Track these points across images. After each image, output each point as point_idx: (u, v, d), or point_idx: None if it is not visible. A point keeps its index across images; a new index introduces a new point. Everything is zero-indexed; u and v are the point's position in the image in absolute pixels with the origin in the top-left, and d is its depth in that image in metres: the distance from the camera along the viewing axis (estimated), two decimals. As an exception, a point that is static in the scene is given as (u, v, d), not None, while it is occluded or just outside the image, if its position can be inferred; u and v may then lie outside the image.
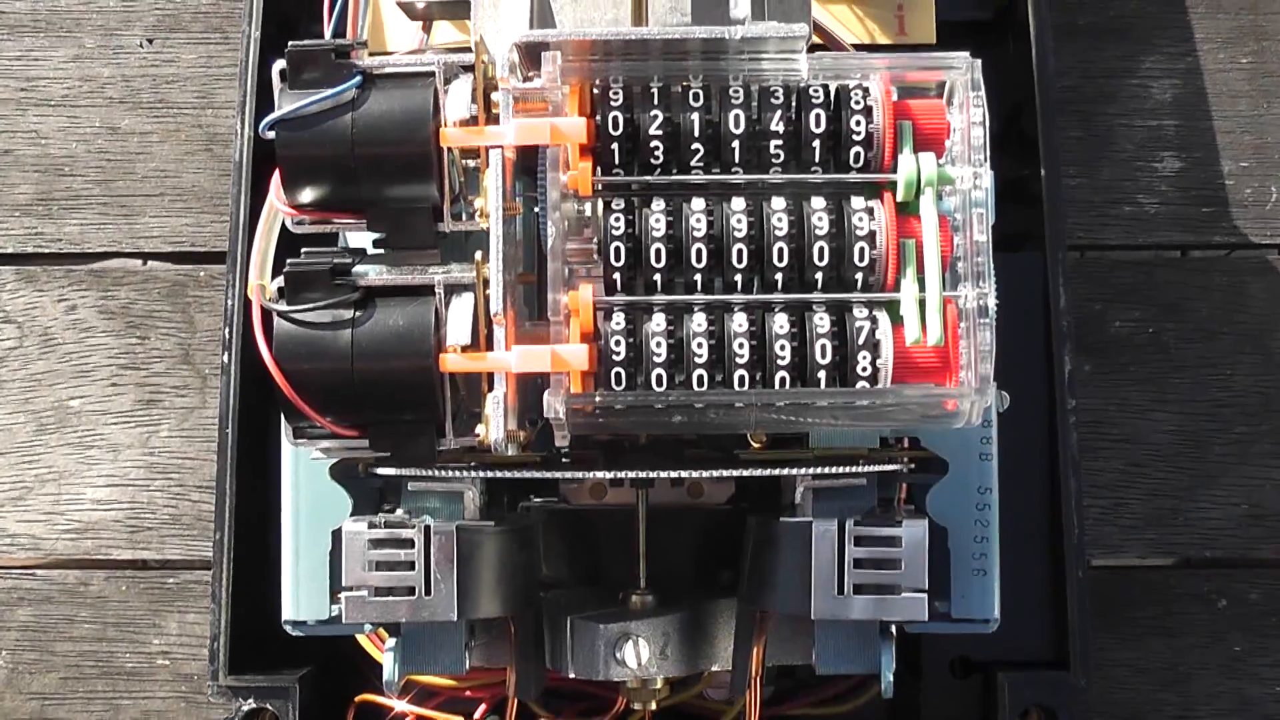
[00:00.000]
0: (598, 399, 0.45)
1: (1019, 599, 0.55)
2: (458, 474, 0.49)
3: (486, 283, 0.45)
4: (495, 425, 0.45)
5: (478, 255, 0.46)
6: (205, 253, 0.68)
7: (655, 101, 0.46)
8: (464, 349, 0.45)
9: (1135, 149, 0.68)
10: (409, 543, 0.48)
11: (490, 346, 0.45)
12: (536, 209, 0.48)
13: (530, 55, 0.46)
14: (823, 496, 0.49)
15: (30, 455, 0.68)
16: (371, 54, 0.47)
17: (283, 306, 0.45)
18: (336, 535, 0.50)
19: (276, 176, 0.46)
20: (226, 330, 0.58)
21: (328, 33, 0.51)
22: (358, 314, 0.45)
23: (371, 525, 0.48)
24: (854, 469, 0.49)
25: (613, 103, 0.46)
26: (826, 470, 0.48)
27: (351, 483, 0.52)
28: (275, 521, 0.54)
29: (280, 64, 0.46)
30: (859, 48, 0.63)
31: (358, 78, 0.45)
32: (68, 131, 0.69)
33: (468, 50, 0.46)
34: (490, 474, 0.50)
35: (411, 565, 0.48)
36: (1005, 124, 0.65)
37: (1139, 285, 0.67)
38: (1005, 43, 0.64)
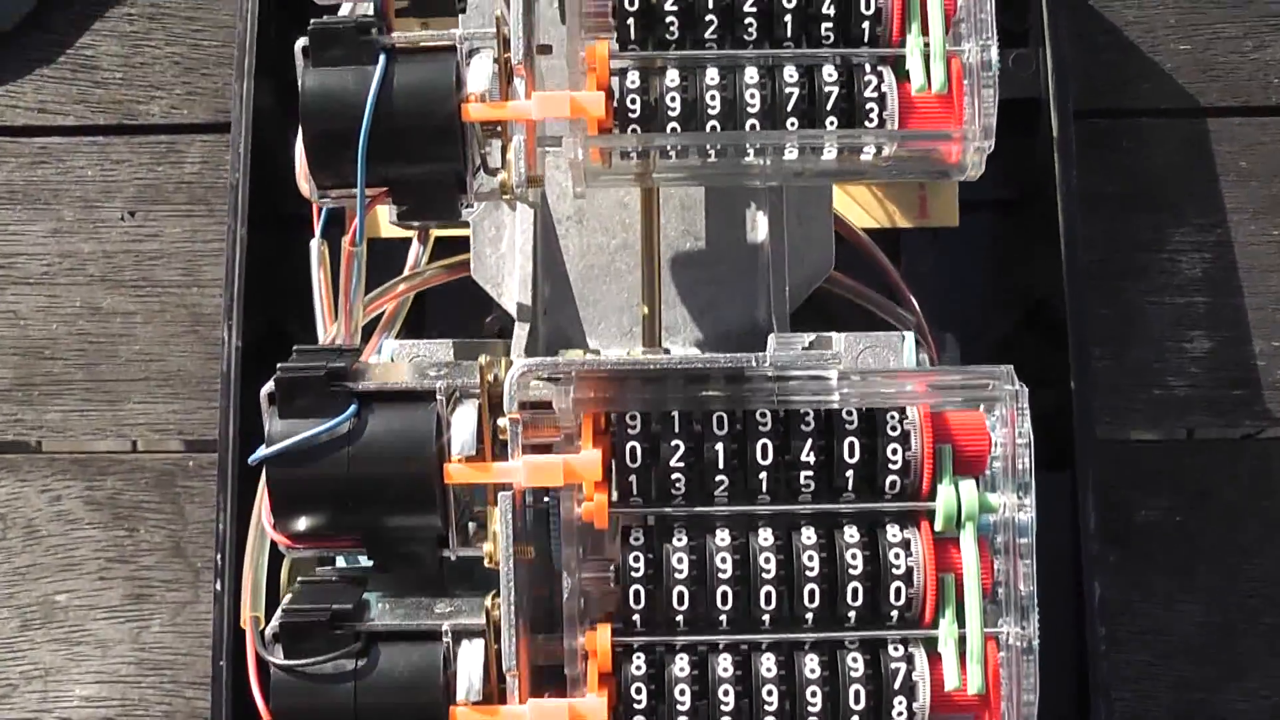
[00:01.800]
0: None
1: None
2: None
3: (497, 625, 0.43)
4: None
5: (487, 601, 0.44)
6: (194, 440, 0.66)
7: (676, 430, 0.44)
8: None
9: (1164, 328, 0.65)
10: None
11: (503, 698, 0.43)
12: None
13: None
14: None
15: (15, 651, 0.65)
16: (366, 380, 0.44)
17: (279, 660, 0.42)
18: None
19: (264, 498, 0.44)
20: (219, 524, 0.57)
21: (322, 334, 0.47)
22: (360, 664, 0.43)
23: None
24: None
25: (630, 431, 0.44)
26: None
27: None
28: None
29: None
30: (874, 233, 0.60)
31: (353, 407, 0.42)
32: (48, 311, 0.67)
33: (474, 385, 0.44)
34: None
35: None
36: (1032, 311, 0.63)
37: (1166, 471, 0.65)
38: (1033, 222, 0.61)
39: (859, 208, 0.62)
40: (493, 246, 0.53)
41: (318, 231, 0.49)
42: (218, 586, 0.56)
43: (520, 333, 0.51)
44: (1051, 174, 0.60)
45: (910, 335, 0.48)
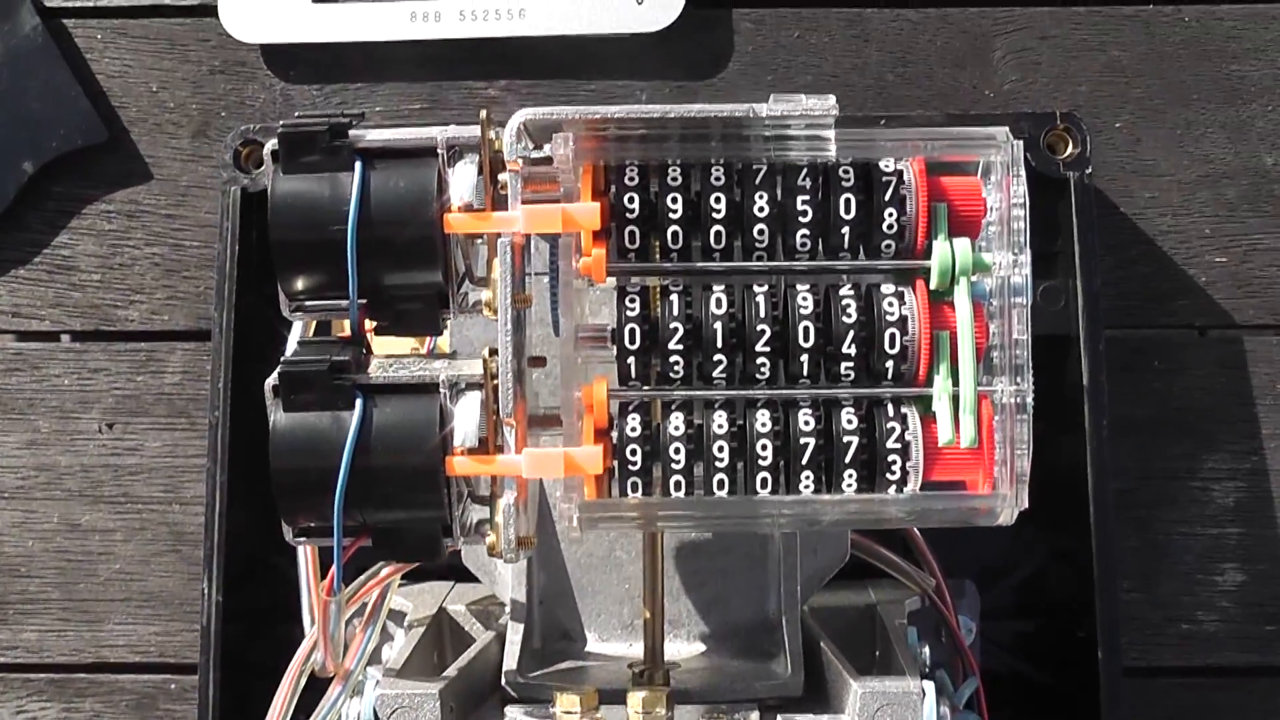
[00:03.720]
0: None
1: None
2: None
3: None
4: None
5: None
6: (175, 664, 0.64)
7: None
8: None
9: (1195, 560, 0.63)
10: None
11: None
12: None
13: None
14: None
15: None
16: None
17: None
18: None
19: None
20: None
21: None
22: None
23: None
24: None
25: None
26: None
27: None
28: None
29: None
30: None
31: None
32: (23, 527, 0.65)
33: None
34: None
35: None
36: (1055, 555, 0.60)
37: (1197, 710, 0.63)
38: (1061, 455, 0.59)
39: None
40: (484, 531, 0.51)
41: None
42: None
43: (514, 635, 0.49)
44: (1079, 410, 0.57)
45: (932, 691, 0.45)
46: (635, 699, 0.45)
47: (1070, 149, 0.58)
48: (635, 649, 0.50)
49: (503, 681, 0.49)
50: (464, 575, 0.58)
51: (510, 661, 0.48)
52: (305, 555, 0.47)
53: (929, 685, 0.44)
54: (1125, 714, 0.56)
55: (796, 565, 0.50)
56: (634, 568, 0.50)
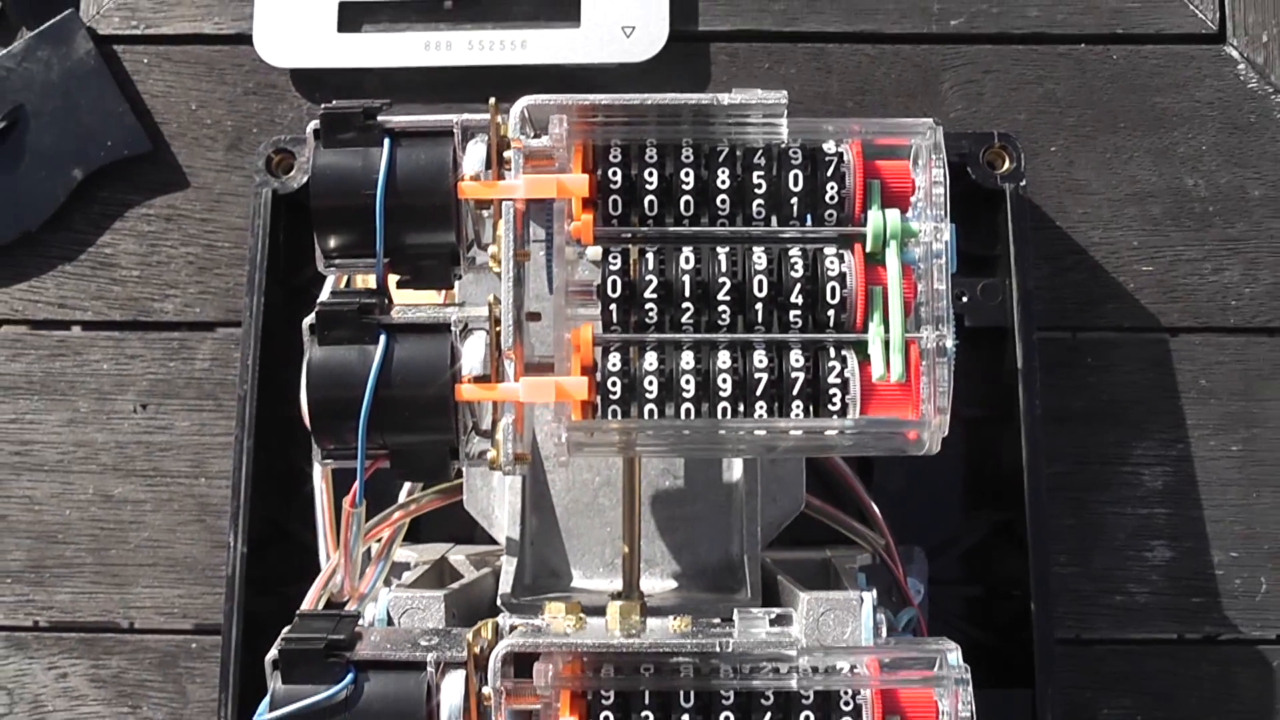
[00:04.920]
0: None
1: None
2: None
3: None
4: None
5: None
6: (197, 624, 0.68)
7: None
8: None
9: (1126, 537, 0.68)
10: None
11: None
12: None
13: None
14: None
15: (19, 826, 0.68)
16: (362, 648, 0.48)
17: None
18: None
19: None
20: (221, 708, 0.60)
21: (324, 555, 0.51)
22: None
23: None
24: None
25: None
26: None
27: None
28: None
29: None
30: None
31: (350, 675, 0.45)
32: (61, 498, 0.69)
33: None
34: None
35: None
36: (1000, 525, 0.66)
37: (1129, 674, 0.67)
38: (1001, 439, 0.64)
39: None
40: (484, 479, 0.57)
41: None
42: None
43: (508, 567, 0.55)
44: (1016, 397, 0.63)
45: (869, 600, 0.50)
46: (613, 608, 0.51)
47: (1007, 164, 0.65)
48: (615, 584, 0.56)
49: (498, 603, 0.54)
50: (462, 541, 0.64)
51: (505, 587, 0.54)
52: (319, 479, 0.52)
53: (868, 595, 0.50)
54: (1058, 675, 0.62)
55: (757, 511, 0.56)
56: (614, 513, 0.56)
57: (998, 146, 0.65)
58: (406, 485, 0.58)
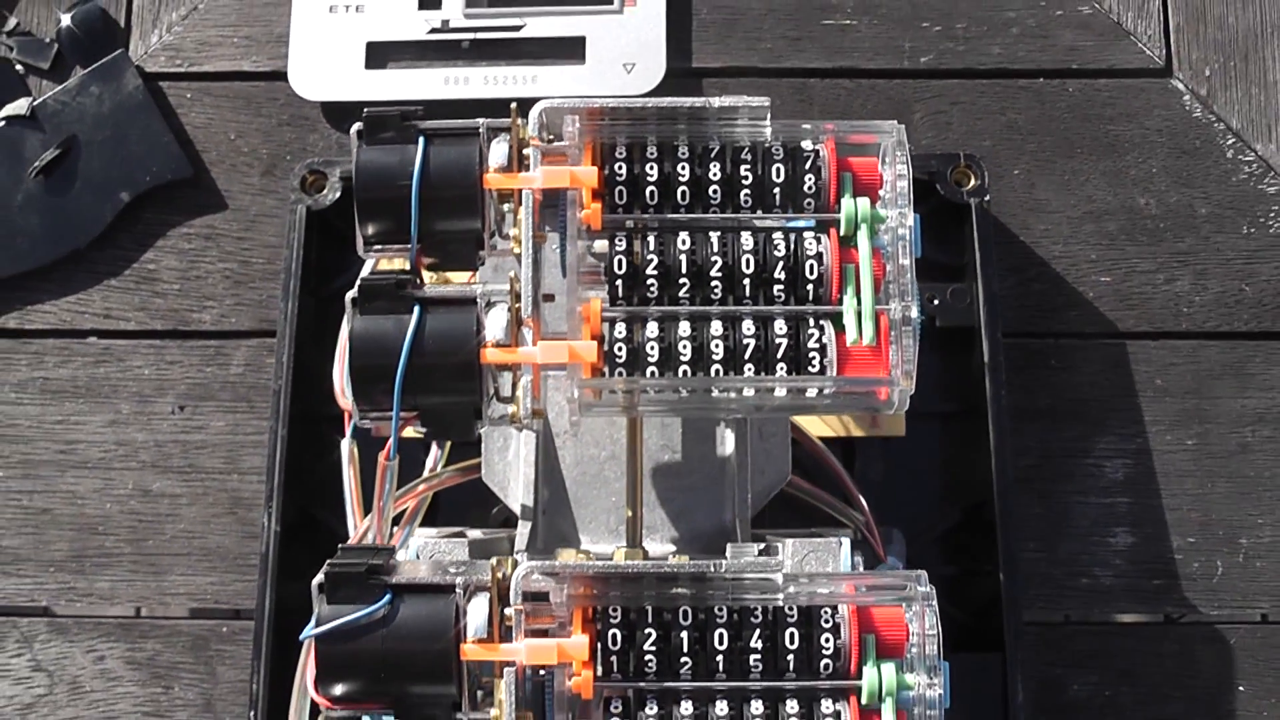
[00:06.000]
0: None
1: None
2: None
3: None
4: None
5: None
6: (228, 610, 0.72)
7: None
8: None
9: (1090, 525, 0.73)
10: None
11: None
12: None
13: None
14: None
15: (54, 801, 0.71)
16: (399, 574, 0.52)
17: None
18: None
19: (307, 666, 0.52)
20: (253, 684, 0.64)
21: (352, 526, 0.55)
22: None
23: None
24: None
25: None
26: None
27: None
28: None
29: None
30: (830, 442, 0.69)
31: (388, 596, 0.50)
32: (102, 493, 0.73)
33: (486, 582, 0.52)
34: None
35: None
36: (971, 511, 0.71)
37: (1096, 652, 0.71)
38: (972, 432, 0.69)
39: (818, 420, 0.71)
40: (500, 455, 0.62)
41: (349, 434, 0.58)
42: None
43: (523, 529, 0.60)
44: (985, 393, 0.69)
45: (847, 541, 0.56)
46: (619, 553, 0.56)
47: (972, 182, 0.72)
48: (621, 548, 0.61)
49: (514, 558, 0.59)
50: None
51: (519, 547, 0.59)
52: (346, 452, 0.58)
53: (845, 538, 0.56)
54: (1025, 655, 0.66)
55: (748, 481, 0.61)
56: (619, 484, 0.61)
57: (963, 166, 0.71)
58: (429, 461, 0.63)
